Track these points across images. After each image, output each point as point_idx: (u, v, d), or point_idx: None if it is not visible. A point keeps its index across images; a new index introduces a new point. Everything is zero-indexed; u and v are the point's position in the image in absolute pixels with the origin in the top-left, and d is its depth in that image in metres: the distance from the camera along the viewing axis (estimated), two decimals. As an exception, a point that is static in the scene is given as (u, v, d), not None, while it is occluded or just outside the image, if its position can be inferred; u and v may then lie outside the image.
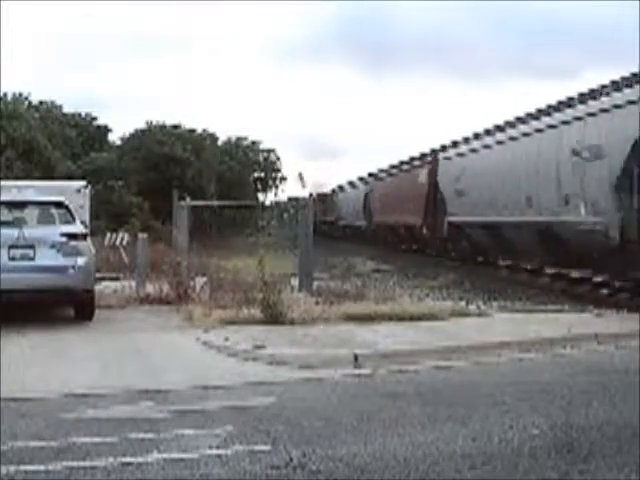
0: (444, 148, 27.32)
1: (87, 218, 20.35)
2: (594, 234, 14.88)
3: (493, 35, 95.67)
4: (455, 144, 26.27)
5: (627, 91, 14.87)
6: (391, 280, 19.21)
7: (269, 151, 60.55)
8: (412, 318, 11.27)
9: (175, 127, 47.95)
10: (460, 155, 24.76)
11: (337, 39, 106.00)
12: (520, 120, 21.06)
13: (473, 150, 23.64)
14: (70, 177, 32.72)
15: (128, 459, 5.07)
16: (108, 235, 22.34)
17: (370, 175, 42.49)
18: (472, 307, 13.04)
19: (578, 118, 16.34)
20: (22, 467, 4.89)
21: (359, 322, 10.99)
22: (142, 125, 48.10)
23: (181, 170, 43.35)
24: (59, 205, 12.47)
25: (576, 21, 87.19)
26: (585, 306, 13.39)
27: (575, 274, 18.02)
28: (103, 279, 15.37)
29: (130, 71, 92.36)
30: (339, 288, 14.81)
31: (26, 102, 45.58)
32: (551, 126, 17.92)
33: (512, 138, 20.61)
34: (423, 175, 27.45)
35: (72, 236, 11.65)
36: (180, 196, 16.81)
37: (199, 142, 47.91)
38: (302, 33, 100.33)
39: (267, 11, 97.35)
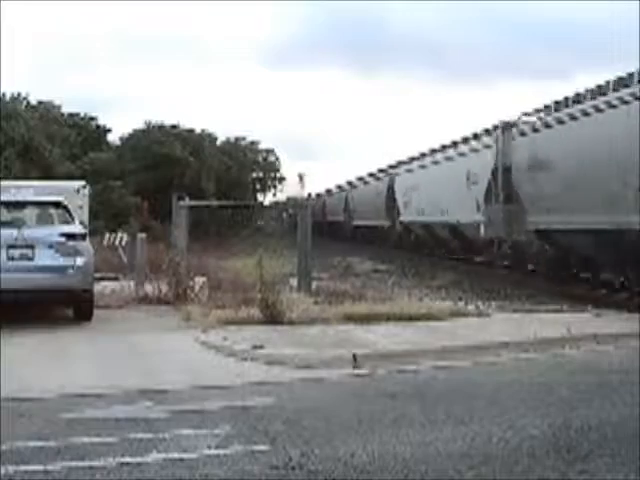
0: (329, 191, 54.08)
1: (86, 218, 20.34)
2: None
3: (487, 36, 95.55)
4: (339, 187, 50.05)
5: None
6: (390, 280, 19.19)
7: (268, 151, 60.47)
8: (411, 318, 11.26)
9: (174, 127, 47.89)
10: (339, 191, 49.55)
11: (333, 40, 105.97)
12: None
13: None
14: (69, 177, 32.57)
15: (127, 459, 5.07)
16: (107, 235, 22.29)
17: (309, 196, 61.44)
18: (471, 307, 13.02)
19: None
20: (21, 467, 4.89)
21: (358, 322, 10.99)
22: (141, 125, 48.12)
23: (180, 170, 43.30)
24: (58, 205, 12.48)
25: (571, 22, 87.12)
26: (584, 306, 13.38)
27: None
28: (102, 279, 15.35)
29: (129, 71, 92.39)
30: (338, 288, 14.81)
31: (24, 102, 45.46)
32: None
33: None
34: (320, 204, 53.30)
35: (71, 236, 11.65)
36: (179, 196, 16.81)
37: (198, 142, 47.84)
38: (300, 33, 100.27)
39: (264, 12, 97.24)
